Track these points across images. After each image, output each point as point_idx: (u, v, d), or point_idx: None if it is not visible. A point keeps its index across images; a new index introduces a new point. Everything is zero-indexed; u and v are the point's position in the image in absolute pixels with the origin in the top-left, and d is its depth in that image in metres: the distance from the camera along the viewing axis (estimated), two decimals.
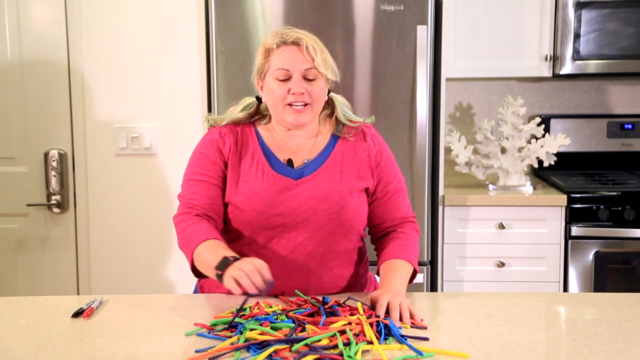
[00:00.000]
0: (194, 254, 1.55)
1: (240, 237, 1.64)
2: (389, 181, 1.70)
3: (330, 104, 1.72)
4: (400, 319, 1.41)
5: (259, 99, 1.71)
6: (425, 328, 1.38)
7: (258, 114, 1.72)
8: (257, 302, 1.49)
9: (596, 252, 2.82)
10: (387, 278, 1.58)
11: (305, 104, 1.59)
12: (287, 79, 1.59)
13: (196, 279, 1.79)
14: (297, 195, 1.60)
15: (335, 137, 1.69)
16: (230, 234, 1.67)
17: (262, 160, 1.64)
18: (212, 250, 1.52)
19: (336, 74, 1.64)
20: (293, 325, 1.34)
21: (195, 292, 1.81)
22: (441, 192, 2.82)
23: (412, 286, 2.67)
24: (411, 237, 1.70)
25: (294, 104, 1.59)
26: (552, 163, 3.03)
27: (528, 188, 2.95)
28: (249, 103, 1.72)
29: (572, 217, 2.82)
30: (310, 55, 1.58)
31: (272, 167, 1.63)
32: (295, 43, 1.59)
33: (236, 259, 1.46)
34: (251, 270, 1.40)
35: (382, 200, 1.69)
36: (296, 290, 1.61)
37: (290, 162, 1.65)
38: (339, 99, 1.73)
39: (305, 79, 1.59)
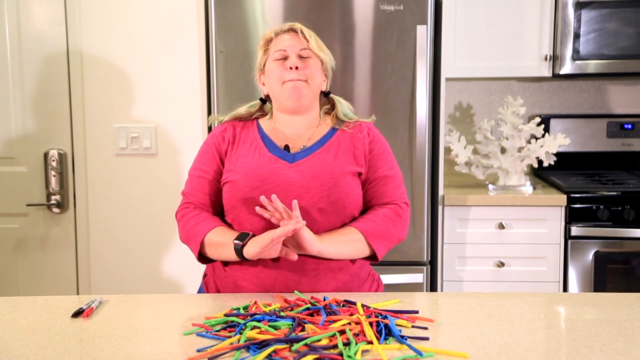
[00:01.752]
0: (205, 239, 1.66)
1: (238, 218, 1.68)
2: (378, 167, 1.74)
3: (330, 102, 1.82)
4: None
5: (262, 100, 1.82)
6: (426, 328, 1.38)
7: (261, 112, 1.83)
8: (255, 302, 1.50)
9: (596, 252, 2.82)
10: (330, 235, 1.65)
11: (302, 81, 1.70)
12: (285, 59, 1.71)
13: (201, 279, 1.86)
14: (291, 174, 1.67)
15: (334, 130, 1.77)
16: (227, 216, 1.72)
17: (259, 145, 1.73)
18: (224, 234, 1.65)
19: (331, 59, 1.77)
20: (292, 324, 1.34)
21: (200, 290, 1.82)
22: (441, 192, 2.82)
23: (412, 286, 2.70)
24: (382, 214, 1.72)
25: (291, 81, 1.69)
26: (552, 163, 3.03)
27: (528, 188, 2.95)
28: (253, 103, 1.83)
29: (572, 217, 2.82)
30: (305, 38, 1.72)
31: (268, 150, 1.72)
32: (291, 29, 1.74)
33: (254, 235, 1.60)
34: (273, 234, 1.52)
35: (371, 185, 1.74)
36: (295, 291, 1.62)
37: (286, 147, 1.72)
38: (341, 101, 1.82)
39: (301, 58, 1.71)
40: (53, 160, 2.85)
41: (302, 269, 1.65)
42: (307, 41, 1.72)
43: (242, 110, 1.80)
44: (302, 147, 1.72)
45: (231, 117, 1.80)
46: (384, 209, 1.73)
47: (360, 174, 1.73)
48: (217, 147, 1.76)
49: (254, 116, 1.81)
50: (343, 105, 1.81)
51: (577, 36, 2.98)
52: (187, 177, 1.80)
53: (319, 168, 1.67)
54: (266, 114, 1.81)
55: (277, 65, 1.71)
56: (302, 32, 1.72)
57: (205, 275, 1.82)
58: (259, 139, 1.74)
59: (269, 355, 1.22)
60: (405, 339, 1.29)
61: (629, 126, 3.32)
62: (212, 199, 1.75)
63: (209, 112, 2.74)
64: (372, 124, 1.81)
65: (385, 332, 1.32)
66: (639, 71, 3.03)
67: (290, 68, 1.68)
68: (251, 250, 1.56)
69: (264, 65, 1.75)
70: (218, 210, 1.76)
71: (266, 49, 1.75)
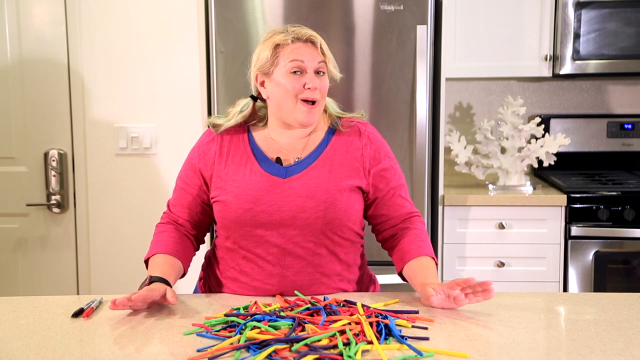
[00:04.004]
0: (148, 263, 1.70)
1: (231, 236, 1.65)
2: (390, 179, 1.69)
3: None
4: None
5: (253, 98, 1.71)
6: (426, 328, 1.38)
7: (253, 114, 1.72)
8: (256, 302, 1.50)
9: (596, 252, 2.82)
10: (429, 276, 1.60)
11: (317, 102, 1.61)
12: (301, 73, 1.60)
13: (196, 280, 1.86)
14: (284, 192, 1.61)
15: (330, 133, 1.68)
16: (221, 233, 1.68)
17: (251, 159, 1.65)
18: (151, 266, 1.66)
19: (338, 72, 1.68)
20: (292, 324, 1.34)
21: (195, 292, 1.82)
22: (441, 192, 2.82)
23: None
24: (424, 231, 1.72)
25: (307, 99, 1.59)
26: (552, 163, 3.03)
27: (528, 188, 2.95)
28: (245, 103, 1.71)
29: (572, 217, 2.82)
30: (324, 52, 1.62)
31: (260, 166, 1.64)
32: (310, 40, 1.62)
33: (153, 281, 1.56)
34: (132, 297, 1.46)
35: (385, 199, 1.69)
36: (296, 291, 1.62)
37: (278, 160, 1.65)
38: (327, 98, 1.73)
39: (316, 74, 1.61)
40: (53, 160, 2.85)
41: (301, 283, 1.63)
42: (324, 55, 1.62)
43: (238, 117, 1.69)
44: (296, 160, 1.65)
45: (227, 127, 1.68)
46: (421, 225, 1.72)
47: (361, 188, 1.66)
48: (197, 165, 1.69)
49: (248, 121, 1.71)
50: (330, 101, 1.72)
51: (577, 36, 2.98)
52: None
53: (314, 186, 1.61)
54: (259, 118, 1.71)
55: (291, 80, 1.59)
56: (321, 46, 1.62)
57: (200, 279, 1.81)
58: (249, 151, 1.66)
59: (269, 355, 1.22)
60: (405, 339, 1.29)
61: (629, 126, 3.32)
62: (192, 214, 1.71)
63: (209, 112, 2.73)
64: (370, 125, 1.73)
65: (385, 332, 1.32)
66: (639, 71, 3.03)
67: (309, 89, 1.59)
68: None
69: (272, 71, 1.61)
70: (198, 223, 1.73)
71: (276, 54, 1.60)
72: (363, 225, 1.74)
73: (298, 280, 1.62)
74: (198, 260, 1.86)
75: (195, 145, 1.73)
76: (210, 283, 1.75)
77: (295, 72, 1.59)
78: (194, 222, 1.73)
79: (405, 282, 1.70)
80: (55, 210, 2.88)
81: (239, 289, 1.66)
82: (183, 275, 1.70)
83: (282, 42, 1.61)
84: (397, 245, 1.69)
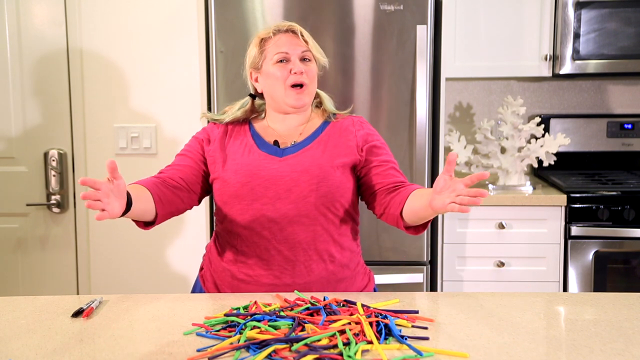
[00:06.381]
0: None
1: (230, 214, 1.71)
2: (382, 154, 1.75)
3: (318, 95, 1.83)
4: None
5: (252, 96, 1.83)
6: (426, 328, 1.38)
7: (253, 111, 1.84)
8: (255, 302, 1.50)
9: (596, 252, 2.82)
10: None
11: (305, 86, 1.71)
12: (287, 61, 1.71)
13: (195, 276, 1.90)
14: (280, 168, 1.69)
15: (325, 123, 1.79)
16: (219, 214, 1.75)
17: (250, 143, 1.75)
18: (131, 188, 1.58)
19: (325, 58, 1.78)
20: (292, 324, 1.34)
21: (196, 283, 1.84)
22: None
23: (412, 286, 2.70)
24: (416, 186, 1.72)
25: (295, 84, 1.70)
26: (552, 163, 3.03)
27: (528, 188, 2.95)
28: (244, 101, 1.83)
29: (572, 217, 2.82)
30: (305, 39, 1.73)
31: (258, 148, 1.73)
32: (290, 30, 1.73)
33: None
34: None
35: (379, 168, 1.72)
36: (295, 291, 1.63)
37: (276, 142, 1.74)
38: (324, 94, 1.84)
39: (302, 61, 1.72)
40: (53, 160, 2.85)
41: (294, 259, 1.68)
42: (307, 43, 1.72)
43: (239, 113, 1.80)
44: (292, 143, 1.74)
45: (229, 121, 1.80)
46: (412, 185, 1.69)
47: (354, 166, 1.73)
48: (201, 139, 1.78)
49: (248, 117, 1.82)
50: (326, 99, 1.82)
51: (577, 36, 2.98)
52: None
53: (308, 162, 1.69)
54: (258, 112, 1.83)
55: (278, 68, 1.70)
56: (302, 34, 1.72)
57: (201, 269, 1.85)
58: (249, 137, 1.76)
59: (269, 355, 1.22)
60: (405, 339, 1.30)
61: (629, 126, 3.32)
62: (186, 174, 1.72)
63: (209, 111, 2.73)
64: (363, 117, 1.84)
65: (385, 332, 1.32)
66: (639, 71, 3.03)
67: (295, 73, 1.69)
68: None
69: (261, 64, 1.74)
70: (189, 185, 1.72)
71: (263, 48, 1.73)
72: (357, 209, 1.79)
73: (292, 255, 1.68)
74: (198, 255, 1.87)
75: (201, 130, 1.83)
76: (211, 269, 1.79)
77: (281, 60, 1.70)
78: (185, 181, 1.72)
79: (407, 228, 1.65)
80: (55, 210, 2.88)
81: (238, 270, 1.71)
82: (156, 219, 1.65)
83: (265, 36, 1.74)
84: (393, 197, 1.66)
